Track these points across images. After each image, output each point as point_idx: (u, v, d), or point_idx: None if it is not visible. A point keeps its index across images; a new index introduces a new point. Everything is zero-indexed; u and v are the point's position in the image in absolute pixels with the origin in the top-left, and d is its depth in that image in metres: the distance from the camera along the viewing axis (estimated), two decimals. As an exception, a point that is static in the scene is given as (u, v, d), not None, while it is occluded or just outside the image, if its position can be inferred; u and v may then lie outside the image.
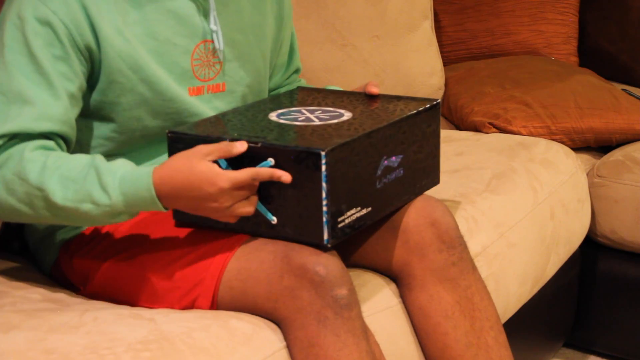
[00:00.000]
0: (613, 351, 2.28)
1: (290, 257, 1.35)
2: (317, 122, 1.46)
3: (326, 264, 1.33)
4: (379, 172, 1.43)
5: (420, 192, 1.56)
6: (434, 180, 1.60)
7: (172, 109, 1.50)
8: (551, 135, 2.23)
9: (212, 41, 1.53)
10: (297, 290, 1.33)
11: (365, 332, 1.36)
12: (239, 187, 1.32)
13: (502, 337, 1.56)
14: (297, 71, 1.81)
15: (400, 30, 2.45)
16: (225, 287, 1.39)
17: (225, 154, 1.33)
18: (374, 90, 1.61)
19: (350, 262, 1.58)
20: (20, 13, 1.39)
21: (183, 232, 1.47)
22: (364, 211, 1.41)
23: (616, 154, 2.21)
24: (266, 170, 1.33)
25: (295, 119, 1.47)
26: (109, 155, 1.48)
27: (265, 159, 1.34)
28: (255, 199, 1.35)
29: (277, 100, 1.61)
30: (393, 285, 1.56)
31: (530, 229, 1.93)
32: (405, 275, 1.54)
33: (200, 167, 1.32)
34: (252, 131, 1.40)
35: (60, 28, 1.39)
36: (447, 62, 2.70)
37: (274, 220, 1.37)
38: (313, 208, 1.33)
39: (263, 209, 1.37)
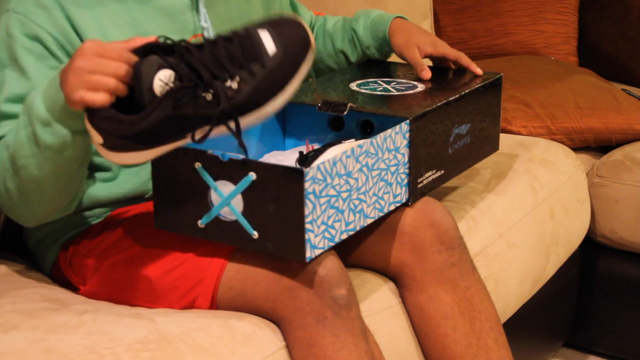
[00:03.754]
0: (613, 351, 2.28)
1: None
2: (395, 93, 1.62)
3: (325, 264, 1.33)
4: (451, 139, 1.59)
5: (482, 157, 1.74)
6: (495, 147, 1.78)
7: None
8: (551, 135, 2.23)
9: (203, 35, 1.53)
10: (296, 290, 1.33)
11: (364, 332, 1.36)
12: (106, 54, 1.21)
13: (502, 338, 1.56)
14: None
15: (400, 31, 2.45)
16: (225, 287, 1.39)
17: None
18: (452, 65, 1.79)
19: (349, 263, 1.58)
20: (8, 30, 1.39)
21: (183, 232, 1.47)
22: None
23: (616, 154, 2.21)
24: (140, 39, 1.23)
25: (375, 89, 1.63)
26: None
27: (247, 173, 1.32)
28: (120, 86, 1.21)
29: (350, 72, 1.76)
30: (392, 285, 1.56)
31: (530, 229, 1.92)
32: (405, 276, 1.54)
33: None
34: (340, 99, 1.56)
35: (50, 40, 1.40)
36: (447, 62, 2.70)
37: (255, 234, 1.34)
38: (295, 225, 1.30)
39: (244, 223, 1.34)
